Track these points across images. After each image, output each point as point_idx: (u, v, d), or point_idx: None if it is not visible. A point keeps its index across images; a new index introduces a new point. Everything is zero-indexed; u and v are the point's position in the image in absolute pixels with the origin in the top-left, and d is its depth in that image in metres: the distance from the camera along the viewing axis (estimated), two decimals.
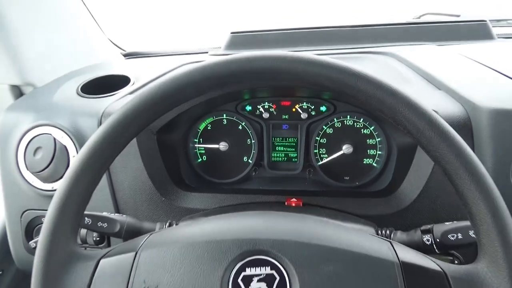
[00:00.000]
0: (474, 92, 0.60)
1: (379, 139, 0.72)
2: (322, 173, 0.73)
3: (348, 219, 0.58)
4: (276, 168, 0.76)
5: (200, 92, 0.42)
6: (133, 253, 0.41)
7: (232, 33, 0.99)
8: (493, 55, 0.74)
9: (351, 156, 0.73)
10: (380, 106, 0.39)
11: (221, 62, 0.40)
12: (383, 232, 0.54)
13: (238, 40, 0.97)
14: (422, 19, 1.14)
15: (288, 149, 0.76)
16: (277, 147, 0.76)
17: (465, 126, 0.58)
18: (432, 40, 0.90)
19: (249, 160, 0.76)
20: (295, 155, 0.76)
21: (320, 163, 0.74)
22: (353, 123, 0.73)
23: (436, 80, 0.68)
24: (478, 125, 0.57)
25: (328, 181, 0.73)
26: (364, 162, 0.73)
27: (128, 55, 1.12)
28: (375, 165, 0.73)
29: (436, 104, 0.61)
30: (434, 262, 0.40)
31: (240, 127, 0.76)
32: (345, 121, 0.73)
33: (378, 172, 0.72)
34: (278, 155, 0.76)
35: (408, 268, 0.38)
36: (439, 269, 0.39)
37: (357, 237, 0.42)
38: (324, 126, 0.74)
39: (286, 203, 0.63)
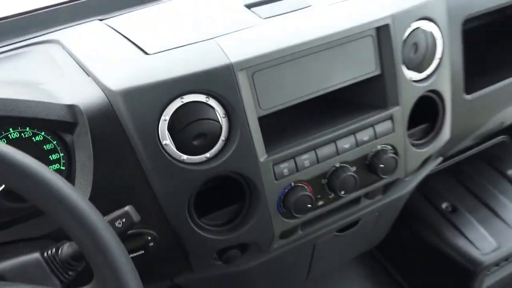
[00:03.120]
0: (111, 73, 0.60)
1: (62, 154, 0.67)
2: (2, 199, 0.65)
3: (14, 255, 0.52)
4: None
5: None
6: None
7: None
8: (142, 22, 0.75)
9: None
10: None
11: None
12: (52, 251, 0.51)
13: None
14: None
15: None
16: None
17: (108, 113, 0.57)
18: (98, 14, 0.86)
19: None
20: None
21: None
22: (33, 135, 0.65)
23: (85, 66, 0.65)
24: (119, 111, 0.57)
25: (10, 205, 0.66)
26: None
27: None
28: None
29: (78, 97, 0.58)
30: None
31: None
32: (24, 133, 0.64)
33: None
34: None
35: None
36: None
37: None
38: None
39: None
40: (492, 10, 0.79)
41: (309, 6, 0.68)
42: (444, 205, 1.28)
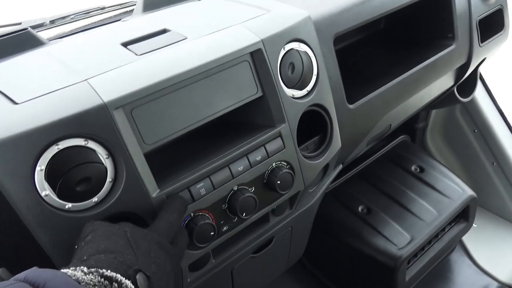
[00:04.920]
0: None
1: None
2: None
3: None
4: None
5: None
6: None
7: None
8: (10, 70, 0.71)
9: None
10: None
11: None
12: None
13: None
14: None
15: None
16: None
17: None
18: None
19: None
20: None
21: None
22: None
23: None
24: None
25: None
26: None
27: None
28: None
29: None
30: None
31: None
32: None
33: None
34: None
35: None
36: None
37: None
38: None
39: None
40: (357, 27, 0.87)
41: (185, 38, 0.70)
42: (360, 208, 1.36)
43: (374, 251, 1.24)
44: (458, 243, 1.64)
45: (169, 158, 0.69)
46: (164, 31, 0.74)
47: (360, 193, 1.40)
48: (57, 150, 0.55)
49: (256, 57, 0.69)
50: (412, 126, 1.75)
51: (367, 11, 0.89)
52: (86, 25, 1.08)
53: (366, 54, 1.17)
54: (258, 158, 0.71)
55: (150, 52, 0.66)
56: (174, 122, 0.63)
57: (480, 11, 1.14)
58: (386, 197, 1.40)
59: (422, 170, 1.49)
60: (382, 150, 1.57)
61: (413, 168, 1.50)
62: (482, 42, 1.17)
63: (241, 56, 0.68)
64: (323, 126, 0.83)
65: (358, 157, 1.46)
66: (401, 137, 1.63)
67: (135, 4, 1.16)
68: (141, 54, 0.66)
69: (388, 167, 1.51)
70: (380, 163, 1.53)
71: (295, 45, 0.75)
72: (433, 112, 1.76)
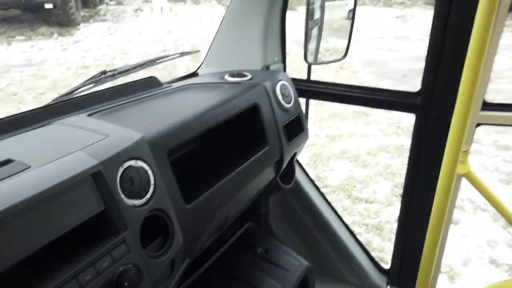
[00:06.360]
0: None
1: None
2: None
3: None
4: None
5: None
6: None
7: None
8: None
9: None
10: None
11: None
12: None
13: None
14: None
15: None
16: None
17: None
18: None
19: None
20: None
21: None
22: None
23: None
24: None
25: None
26: None
27: None
28: None
29: None
30: None
31: None
32: None
33: None
34: None
35: None
36: None
37: None
38: None
39: None
40: (186, 141, 1.08)
41: (28, 167, 0.79)
42: None
43: None
44: None
45: (20, 278, 0.72)
46: (8, 161, 0.81)
47: (216, 284, 1.53)
48: None
49: (96, 177, 0.82)
50: (256, 213, 2.01)
51: (192, 129, 1.12)
52: None
53: (204, 158, 1.39)
54: (105, 264, 0.79)
55: None
56: (19, 246, 0.69)
57: (283, 119, 1.50)
58: (240, 282, 1.56)
59: (267, 251, 1.72)
60: (231, 239, 1.76)
61: (259, 250, 1.71)
62: (289, 142, 1.52)
63: (82, 178, 0.79)
64: (165, 226, 0.96)
65: (211, 249, 1.61)
66: (247, 224, 1.86)
67: None
68: None
69: (238, 253, 1.70)
70: (231, 251, 1.71)
71: (132, 162, 0.90)
72: (271, 198, 2.07)
